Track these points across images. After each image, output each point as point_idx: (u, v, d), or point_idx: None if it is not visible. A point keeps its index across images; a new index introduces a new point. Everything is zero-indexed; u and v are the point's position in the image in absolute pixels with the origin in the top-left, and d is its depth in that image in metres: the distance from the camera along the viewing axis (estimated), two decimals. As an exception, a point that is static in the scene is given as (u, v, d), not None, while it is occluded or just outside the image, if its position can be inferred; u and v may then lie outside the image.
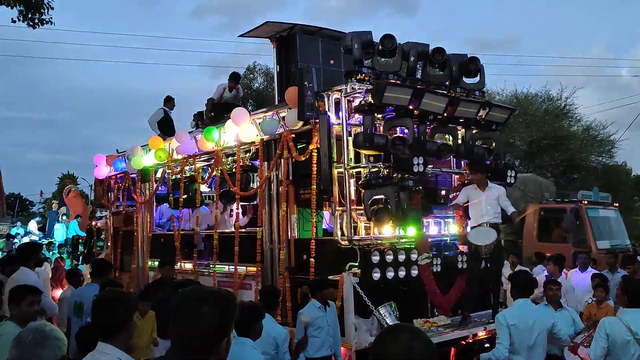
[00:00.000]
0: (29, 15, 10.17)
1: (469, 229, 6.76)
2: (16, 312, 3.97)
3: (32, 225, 19.93)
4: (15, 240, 18.00)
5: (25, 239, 17.93)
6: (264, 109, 7.45)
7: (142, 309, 5.45)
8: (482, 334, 6.26)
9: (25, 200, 51.16)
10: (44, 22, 10.28)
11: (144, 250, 9.62)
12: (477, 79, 7.21)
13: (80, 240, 14.60)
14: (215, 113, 10.00)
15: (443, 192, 6.93)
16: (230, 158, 8.11)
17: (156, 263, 9.19)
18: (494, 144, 7.11)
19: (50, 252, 13.47)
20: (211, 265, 8.01)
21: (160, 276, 6.93)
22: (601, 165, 24.42)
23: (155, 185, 9.59)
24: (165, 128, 10.77)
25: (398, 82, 6.23)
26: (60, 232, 17.52)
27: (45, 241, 15.84)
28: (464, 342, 5.88)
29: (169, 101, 11.33)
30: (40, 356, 2.38)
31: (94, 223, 12.03)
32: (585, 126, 24.54)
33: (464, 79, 7.12)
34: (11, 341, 2.47)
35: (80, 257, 12.21)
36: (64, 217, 17.93)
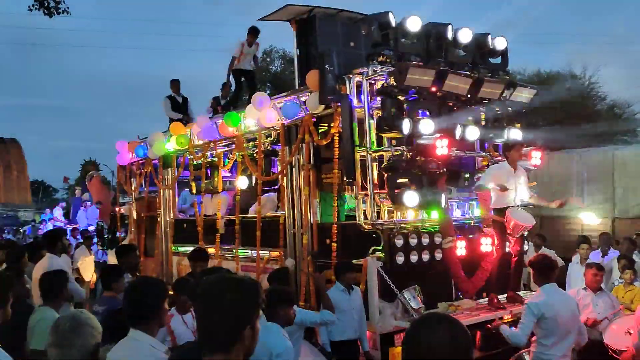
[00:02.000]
0: (45, 4, 10.22)
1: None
2: (65, 294, 4.33)
3: (57, 211, 20.26)
4: (41, 226, 18.37)
5: (49, 225, 18.28)
6: (285, 93, 7.41)
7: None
8: (507, 317, 6.21)
9: (49, 187, 52.07)
10: (60, 11, 10.32)
11: (167, 235, 9.72)
12: (501, 59, 7.08)
13: (103, 227, 14.81)
14: (235, 79, 10.20)
15: (467, 175, 6.84)
16: (251, 143, 8.11)
17: (180, 248, 9.35)
18: (519, 125, 7.00)
19: (75, 239, 13.70)
20: (234, 250, 8.07)
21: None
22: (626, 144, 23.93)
23: (177, 171, 9.65)
24: (180, 115, 10.82)
25: (420, 63, 6.14)
26: (82, 218, 17.81)
27: (69, 227, 16.11)
28: (490, 326, 5.84)
29: (173, 85, 11.33)
30: (74, 344, 2.42)
31: (117, 209, 12.17)
32: (610, 105, 24.07)
33: (488, 59, 7.00)
34: (49, 327, 2.51)
35: (105, 243, 12.37)
36: (88, 203, 18.20)
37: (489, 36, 6.94)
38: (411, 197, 5.74)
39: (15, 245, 9.25)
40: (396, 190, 5.88)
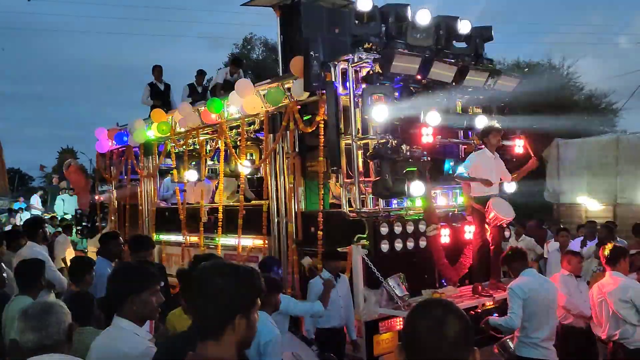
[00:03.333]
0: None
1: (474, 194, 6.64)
2: (42, 283, 4.31)
3: (35, 199, 19.91)
4: (18, 214, 18.01)
5: (26, 214, 17.93)
6: (269, 80, 7.33)
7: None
8: (489, 303, 6.28)
9: (25, 175, 51.13)
10: None
11: (148, 224, 9.61)
12: (466, 43, 7.05)
13: (82, 215, 14.55)
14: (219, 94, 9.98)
15: (451, 163, 6.87)
16: (234, 130, 8.03)
17: (162, 237, 9.25)
18: (503, 113, 7.04)
19: (54, 227, 13.48)
20: (216, 238, 8.01)
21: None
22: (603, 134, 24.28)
23: (158, 159, 9.52)
24: (158, 101, 10.66)
25: (406, 50, 6.11)
26: (59, 207, 17.51)
27: (47, 215, 15.83)
28: (473, 312, 5.90)
29: (155, 71, 11.16)
30: (48, 324, 2.38)
31: (97, 197, 11.97)
32: (588, 95, 24.36)
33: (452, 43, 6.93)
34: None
35: (85, 232, 12.15)
36: (65, 191, 17.88)
37: (457, 19, 6.84)
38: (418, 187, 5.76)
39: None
40: (379, 178, 5.88)
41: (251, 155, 9.77)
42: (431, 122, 5.99)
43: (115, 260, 5.89)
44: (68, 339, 2.43)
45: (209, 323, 1.90)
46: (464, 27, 6.87)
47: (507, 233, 7.22)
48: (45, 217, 14.70)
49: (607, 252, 5.26)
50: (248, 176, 8.63)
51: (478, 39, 6.88)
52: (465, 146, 7.26)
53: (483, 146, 6.60)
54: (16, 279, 4.38)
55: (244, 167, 7.83)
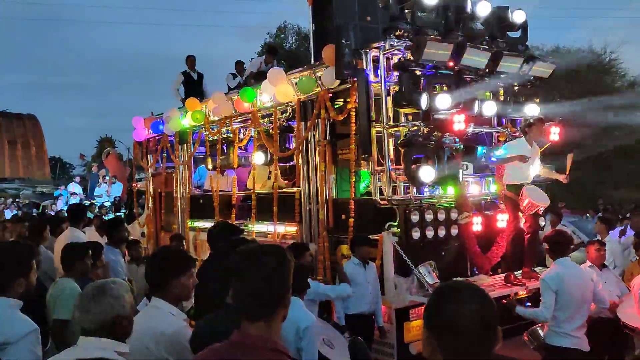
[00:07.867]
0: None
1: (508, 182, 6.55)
2: (82, 266, 4.42)
3: (72, 187, 20.53)
4: (59, 200, 18.62)
5: (71, 200, 18.54)
6: (300, 68, 7.36)
7: None
8: (522, 292, 6.22)
9: (65, 163, 52.63)
10: None
11: (183, 210, 9.82)
12: (520, 32, 6.95)
13: (119, 202, 14.99)
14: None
15: (484, 150, 6.79)
16: (266, 119, 8.11)
17: (196, 223, 9.42)
18: (537, 100, 6.90)
19: (93, 214, 13.89)
20: (250, 225, 8.13)
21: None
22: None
23: (193, 147, 9.70)
24: (190, 90, 10.83)
25: (438, 37, 6.05)
26: (102, 194, 18.04)
27: (87, 202, 16.33)
28: (505, 302, 5.85)
29: (188, 60, 11.34)
30: (91, 310, 2.45)
31: (134, 185, 12.29)
32: (630, 82, 23.60)
33: (506, 32, 6.87)
34: (71, 297, 2.57)
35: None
36: (106, 178, 18.38)
37: (508, 9, 6.81)
38: (427, 173, 5.73)
39: (35, 219, 9.41)
40: (412, 166, 5.86)
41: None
42: (487, 112, 6.24)
43: (120, 246, 6.07)
44: (112, 326, 2.50)
45: (263, 302, 1.86)
46: (517, 17, 6.80)
47: (542, 222, 7.11)
48: (86, 204, 15.17)
49: None
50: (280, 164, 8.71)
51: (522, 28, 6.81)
52: (499, 134, 7.15)
53: (520, 135, 6.51)
54: (61, 262, 4.57)
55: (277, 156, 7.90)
